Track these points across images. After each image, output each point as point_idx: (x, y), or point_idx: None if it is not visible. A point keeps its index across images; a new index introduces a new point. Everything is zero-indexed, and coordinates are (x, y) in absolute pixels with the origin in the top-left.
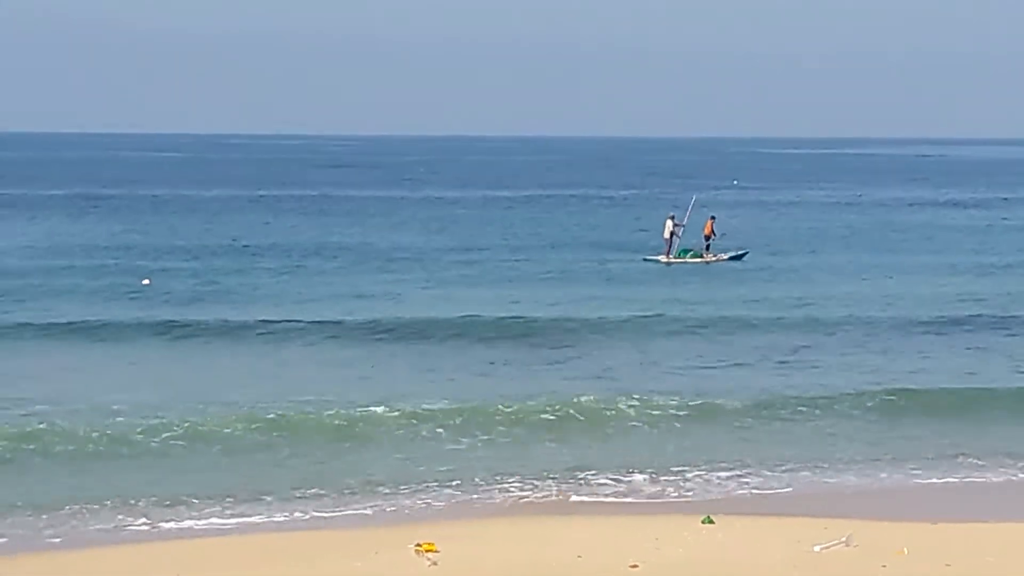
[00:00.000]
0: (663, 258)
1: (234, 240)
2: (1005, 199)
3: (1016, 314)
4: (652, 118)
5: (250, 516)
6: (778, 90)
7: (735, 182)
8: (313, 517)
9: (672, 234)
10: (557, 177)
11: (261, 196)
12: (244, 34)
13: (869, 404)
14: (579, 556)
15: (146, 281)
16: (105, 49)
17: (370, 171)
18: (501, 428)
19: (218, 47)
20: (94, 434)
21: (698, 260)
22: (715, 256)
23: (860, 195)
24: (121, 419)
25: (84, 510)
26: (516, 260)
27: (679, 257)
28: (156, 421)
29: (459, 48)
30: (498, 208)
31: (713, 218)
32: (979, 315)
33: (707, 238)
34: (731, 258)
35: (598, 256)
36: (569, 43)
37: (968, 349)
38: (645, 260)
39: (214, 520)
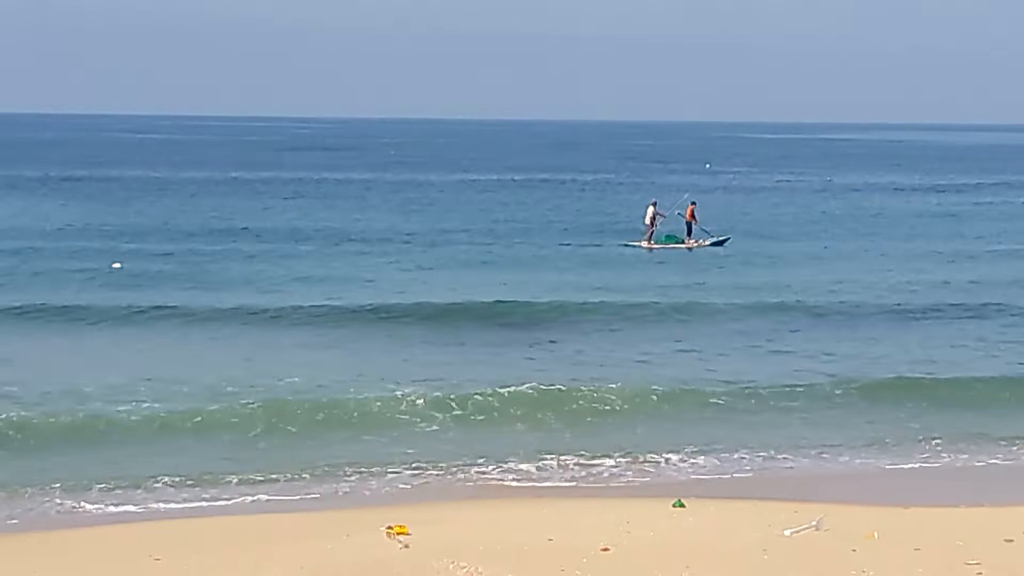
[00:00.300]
0: (644, 244)
1: (210, 222)
2: (977, 184)
3: (987, 301)
4: (630, 103)
5: (219, 498)
6: (758, 77)
7: (707, 166)
8: (283, 499)
9: (653, 220)
10: (531, 160)
11: (234, 178)
12: (209, 16)
13: (841, 390)
14: (550, 539)
15: (116, 264)
16: (83, 30)
17: (340, 153)
18: (473, 412)
19: (189, 28)
20: (64, 417)
21: (680, 246)
22: (696, 242)
23: (829, 179)
24: (91, 402)
25: (48, 490)
26: (491, 244)
27: (660, 243)
28: (125, 405)
29: (433, 32)
30: (472, 191)
31: (694, 203)
32: (954, 303)
33: (688, 224)
34: (713, 244)
35: (576, 241)
36: (546, 30)
37: (944, 335)
38: (625, 246)
39: (183, 502)
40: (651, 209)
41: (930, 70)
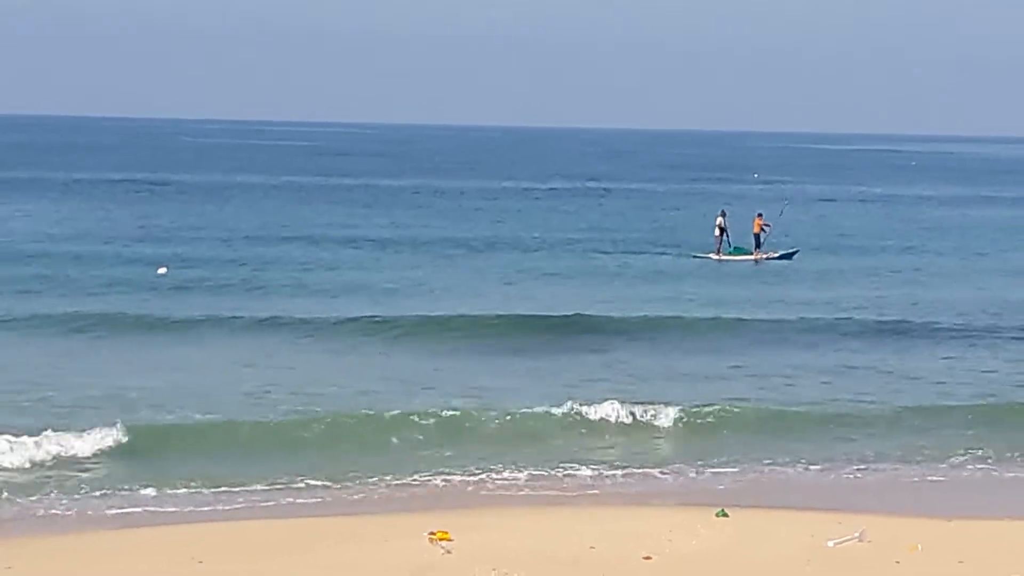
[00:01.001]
0: (714, 256)
1: (259, 228)
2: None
3: None
4: (664, 111)
5: (261, 503)
6: (792, 84)
7: (755, 175)
8: (323, 503)
9: (723, 231)
10: (573, 168)
11: (278, 184)
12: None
13: (889, 402)
14: (592, 547)
15: (162, 270)
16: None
17: (377, 160)
18: (517, 422)
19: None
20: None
21: (748, 258)
22: (765, 254)
23: (880, 191)
24: (140, 410)
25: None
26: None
27: (729, 255)
28: (170, 414)
29: (471, 40)
30: (527, 200)
31: (760, 215)
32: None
33: (756, 236)
34: (781, 256)
35: (644, 251)
36: (583, 38)
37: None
38: (695, 257)
39: (225, 506)
40: (720, 220)
41: (972, 81)
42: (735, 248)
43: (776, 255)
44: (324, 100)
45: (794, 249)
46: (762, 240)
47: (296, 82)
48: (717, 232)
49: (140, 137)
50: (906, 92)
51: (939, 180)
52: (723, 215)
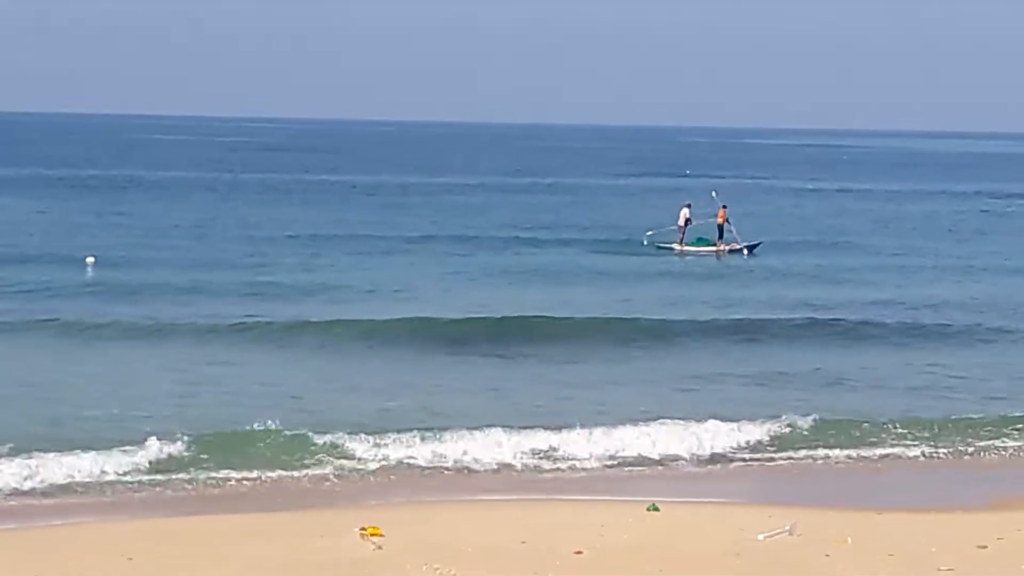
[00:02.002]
0: (676, 246)
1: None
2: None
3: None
4: (592, 106)
5: (190, 500)
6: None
7: (687, 172)
8: (257, 499)
9: (687, 221)
10: (498, 164)
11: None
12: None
13: (816, 391)
14: (523, 542)
15: (91, 259)
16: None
17: (310, 156)
18: (446, 418)
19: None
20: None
21: (710, 249)
22: (727, 246)
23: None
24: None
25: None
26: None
27: (692, 246)
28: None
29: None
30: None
31: (725, 207)
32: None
33: (720, 227)
34: (744, 248)
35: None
36: (514, 31)
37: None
38: (658, 247)
39: (155, 504)
40: (685, 211)
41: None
42: (698, 239)
43: (739, 247)
44: (249, 94)
45: (757, 242)
46: (725, 232)
47: (219, 75)
48: (681, 223)
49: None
50: (837, 88)
51: (874, 174)
52: (688, 207)
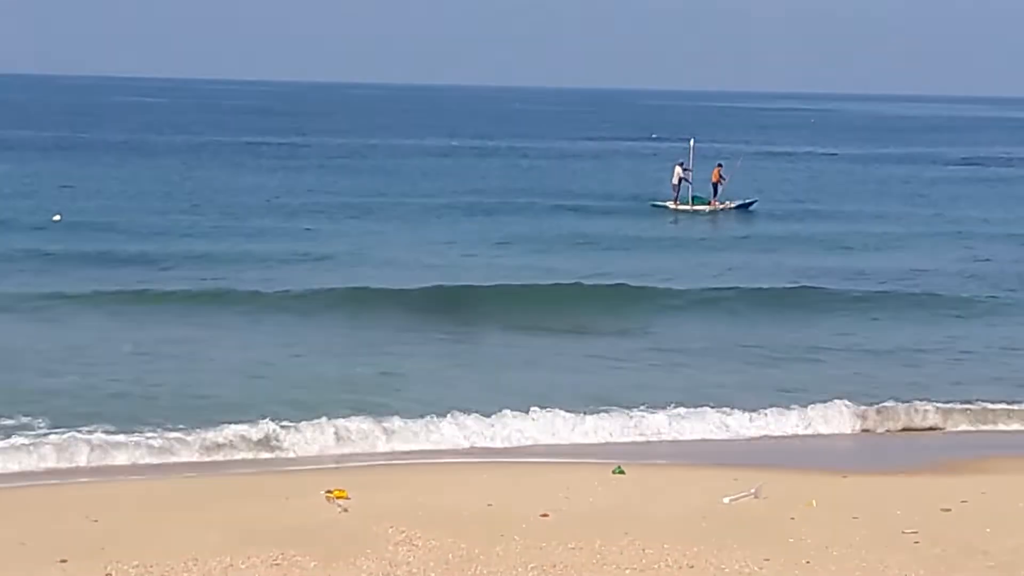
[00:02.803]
0: (671, 204)
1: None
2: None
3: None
4: (555, 69)
5: (160, 461)
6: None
7: (653, 136)
8: (222, 462)
9: (681, 180)
10: (470, 127)
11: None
12: None
13: (780, 355)
14: (489, 504)
15: (56, 217)
16: None
17: (265, 117)
18: (418, 385)
19: None
20: None
21: (705, 207)
22: (722, 204)
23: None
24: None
25: None
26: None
27: (686, 204)
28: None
29: None
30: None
31: (720, 165)
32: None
33: (714, 185)
34: (739, 206)
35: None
36: None
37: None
38: (653, 206)
39: (122, 466)
40: (678, 170)
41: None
42: (694, 197)
43: (733, 205)
44: (194, 56)
45: (752, 199)
46: (719, 190)
47: (156, 35)
48: (675, 181)
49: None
50: (802, 51)
51: (840, 139)
52: (681, 166)
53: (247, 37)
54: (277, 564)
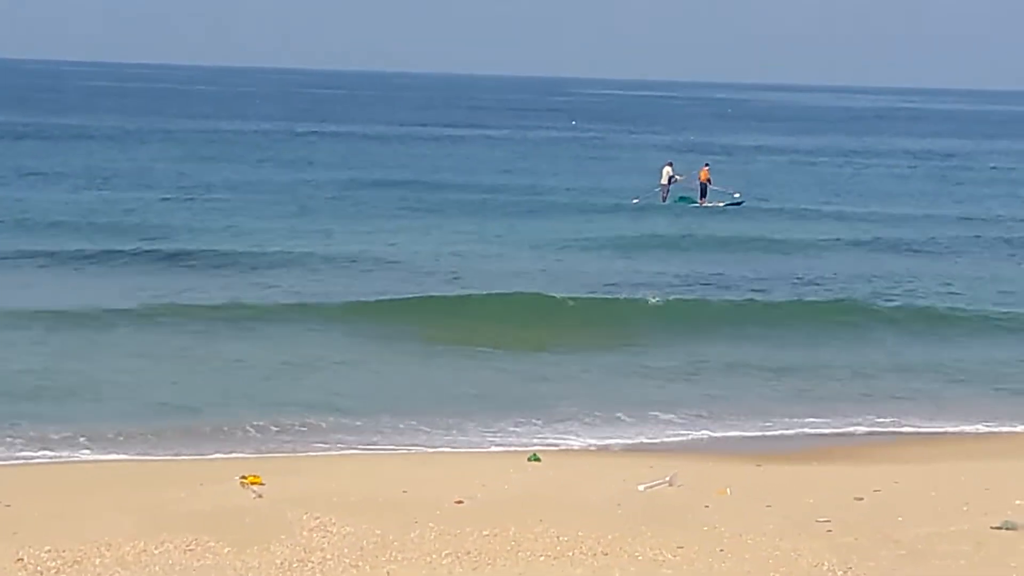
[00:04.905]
0: (660, 203)
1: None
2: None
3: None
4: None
5: (70, 448)
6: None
7: (573, 123)
8: (138, 448)
9: (671, 179)
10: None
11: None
12: None
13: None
14: (404, 491)
15: None
16: None
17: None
18: (331, 371)
19: None
20: None
21: (694, 206)
22: (711, 204)
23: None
24: None
25: None
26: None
27: (677, 203)
28: None
29: None
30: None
31: (708, 165)
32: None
33: (703, 185)
34: (727, 206)
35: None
36: None
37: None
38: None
39: (36, 451)
40: (668, 169)
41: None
42: (681, 197)
43: (722, 204)
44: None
45: (740, 200)
46: (708, 190)
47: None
48: (664, 180)
49: None
50: (715, 40)
51: (759, 128)
52: (671, 165)
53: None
54: (191, 549)
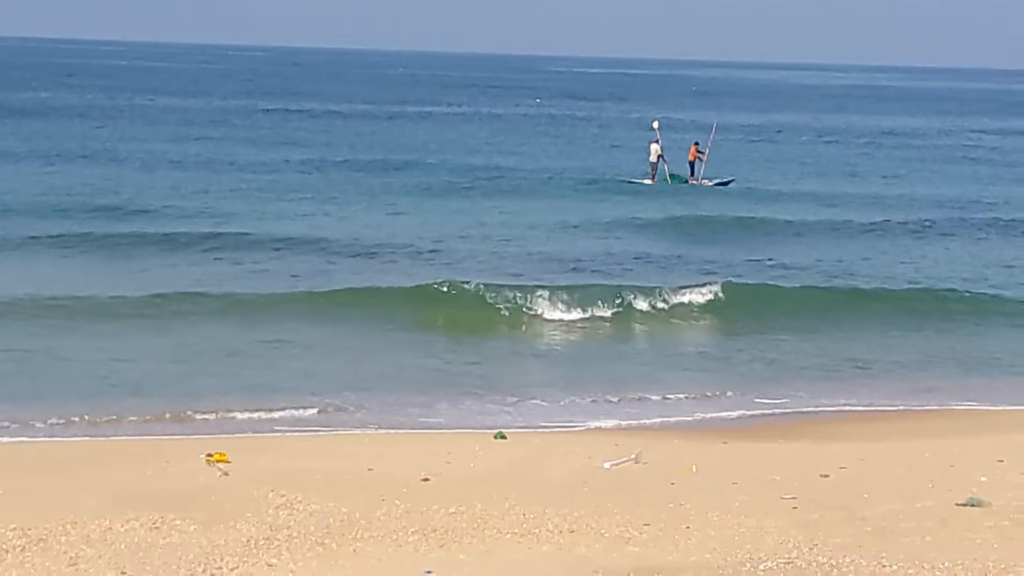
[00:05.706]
0: (648, 181)
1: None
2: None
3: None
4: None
5: (35, 428)
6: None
7: (538, 101)
8: (101, 425)
9: (660, 158)
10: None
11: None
12: None
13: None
14: (370, 469)
15: None
16: None
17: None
18: (298, 354)
19: None
20: None
21: (683, 186)
22: (699, 182)
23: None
24: None
25: None
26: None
27: (664, 181)
28: None
29: None
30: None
31: (696, 143)
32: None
33: (691, 164)
34: (716, 184)
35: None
36: None
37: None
38: (628, 183)
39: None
40: (655, 147)
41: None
42: (672, 176)
43: (711, 183)
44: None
45: (729, 178)
46: (696, 168)
47: None
48: (653, 159)
49: None
50: (679, 17)
51: (728, 106)
52: (658, 143)
53: None
54: (157, 527)
